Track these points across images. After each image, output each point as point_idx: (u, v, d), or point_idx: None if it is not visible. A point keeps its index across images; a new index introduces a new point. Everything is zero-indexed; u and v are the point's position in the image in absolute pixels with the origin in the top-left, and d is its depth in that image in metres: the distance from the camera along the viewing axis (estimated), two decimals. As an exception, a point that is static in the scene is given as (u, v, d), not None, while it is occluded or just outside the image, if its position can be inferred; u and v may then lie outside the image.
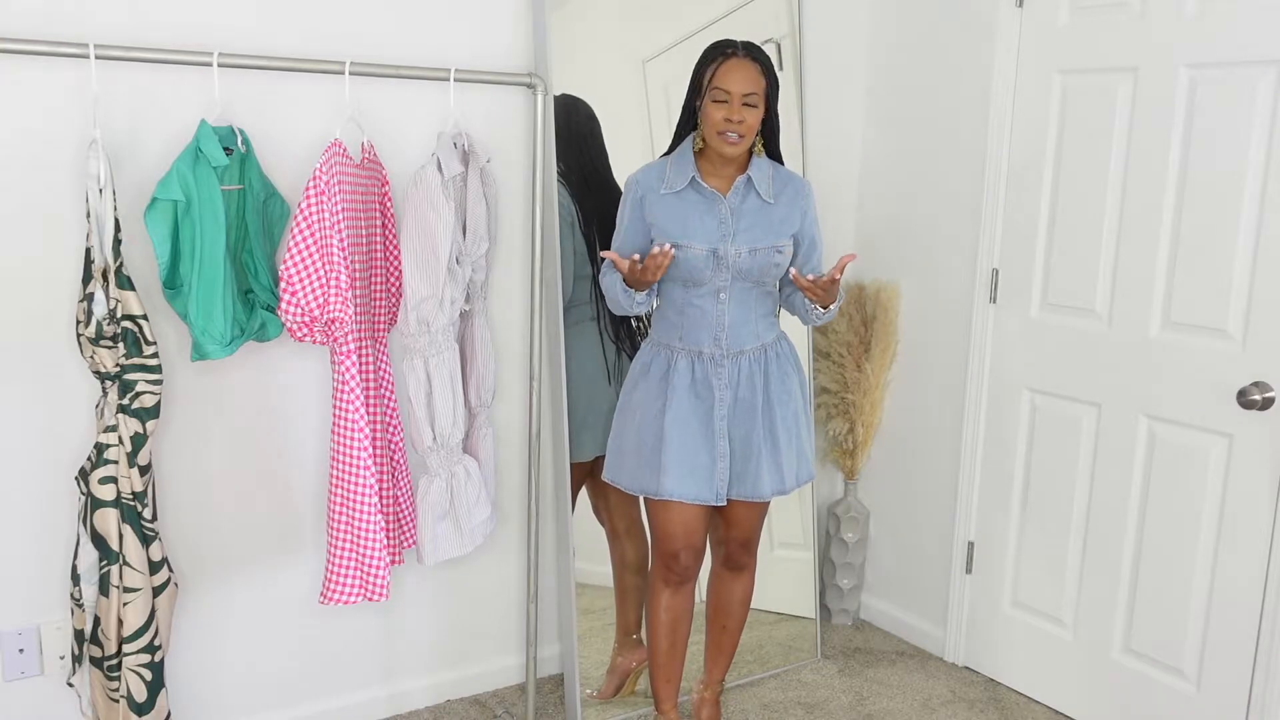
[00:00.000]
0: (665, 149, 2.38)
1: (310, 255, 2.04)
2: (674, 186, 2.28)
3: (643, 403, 2.34)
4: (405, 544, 2.45)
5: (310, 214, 2.05)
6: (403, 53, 2.44)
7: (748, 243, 2.26)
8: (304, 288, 2.04)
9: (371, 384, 2.33)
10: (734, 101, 2.19)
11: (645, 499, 2.46)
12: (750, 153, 2.31)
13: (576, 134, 2.62)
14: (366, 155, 2.28)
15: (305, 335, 2.09)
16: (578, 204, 2.62)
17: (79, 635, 2.10)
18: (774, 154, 2.35)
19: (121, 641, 2.05)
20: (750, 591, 2.57)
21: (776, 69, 2.33)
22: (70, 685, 2.16)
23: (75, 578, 2.06)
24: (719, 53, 2.23)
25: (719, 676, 2.64)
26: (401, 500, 2.42)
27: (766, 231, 2.28)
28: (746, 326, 2.31)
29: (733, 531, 2.47)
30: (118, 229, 1.98)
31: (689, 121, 2.31)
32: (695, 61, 2.27)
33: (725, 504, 2.37)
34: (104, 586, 2.03)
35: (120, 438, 2.02)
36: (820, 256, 2.40)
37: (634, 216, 2.32)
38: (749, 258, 2.26)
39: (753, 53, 2.23)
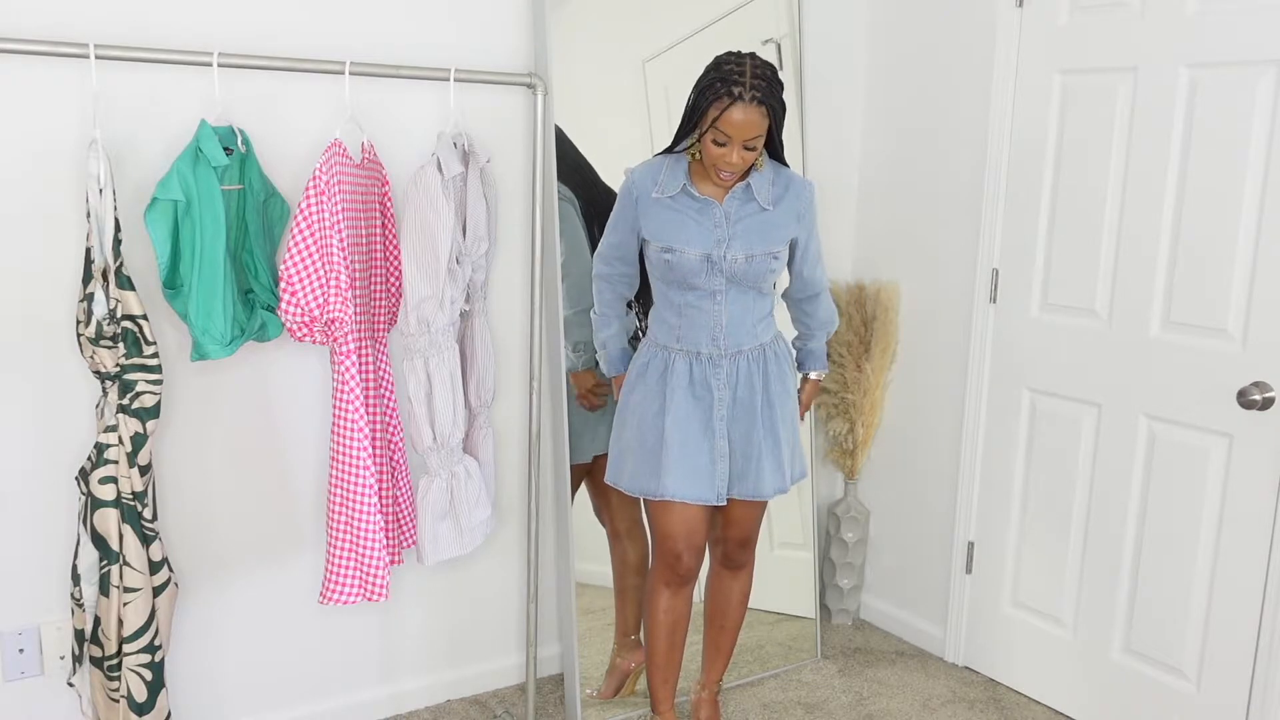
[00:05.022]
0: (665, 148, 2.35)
1: (310, 255, 2.04)
2: (667, 191, 2.26)
3: (641, 404, 2.33)
4: (405, 544, 2.45)
5: (310, 214, 2.05)
6: (403, 53, 2.44)
7: (744, 249, 2.24)
8: (304, 288, 2.04)
9: (371, 384, 2.33)
10: (734, 146, 2.13)
11: (645, 500, 2.46)
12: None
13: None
14: (366, 155, 2.28)
15: (305, 335, 2.09)
16: (583, 215, 2.62)
17: (79, 635, 2.10)
18: (776, 157, 2.32)
19: (121, 641, 2.05)
20: (748, 590, 2.57)
21: (778, 64, 2.31)
22: (70, 685, 2.16)
23: (75, 578, 2.06)
24: (725, 90, 2.09)
25: (717, 676, 2.64)
26: (401, 500, 2.42)
27: (763, 238, 2.26)
28: (744, 327, 2.30)
29: (731, 531, 2.47)
30: (118, 229, 1.98)
31: (689, 128, 2.23)
32: (702, 66, 2.18)
33: (726, 504, 2.36)
34: (104, 586, 2.03)
35: (120, 438, 2.02)
36: (814, 257, 2.38)
37: (625, 216, 2.31)
38: (745, 264, 2.24)
39: (759, 94, 2.09)
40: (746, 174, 2.26)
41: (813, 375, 2.54)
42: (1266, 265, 2.28)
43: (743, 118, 2.10)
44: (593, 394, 2.64)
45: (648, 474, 2.32)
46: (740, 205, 2.26)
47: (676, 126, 2.34)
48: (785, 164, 2.34)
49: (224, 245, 2.07)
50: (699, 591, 2.72)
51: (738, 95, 2.09)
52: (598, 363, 2.56)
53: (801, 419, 2.47)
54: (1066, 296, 2.69)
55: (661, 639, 2.46)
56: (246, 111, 2.26)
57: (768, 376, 2.34)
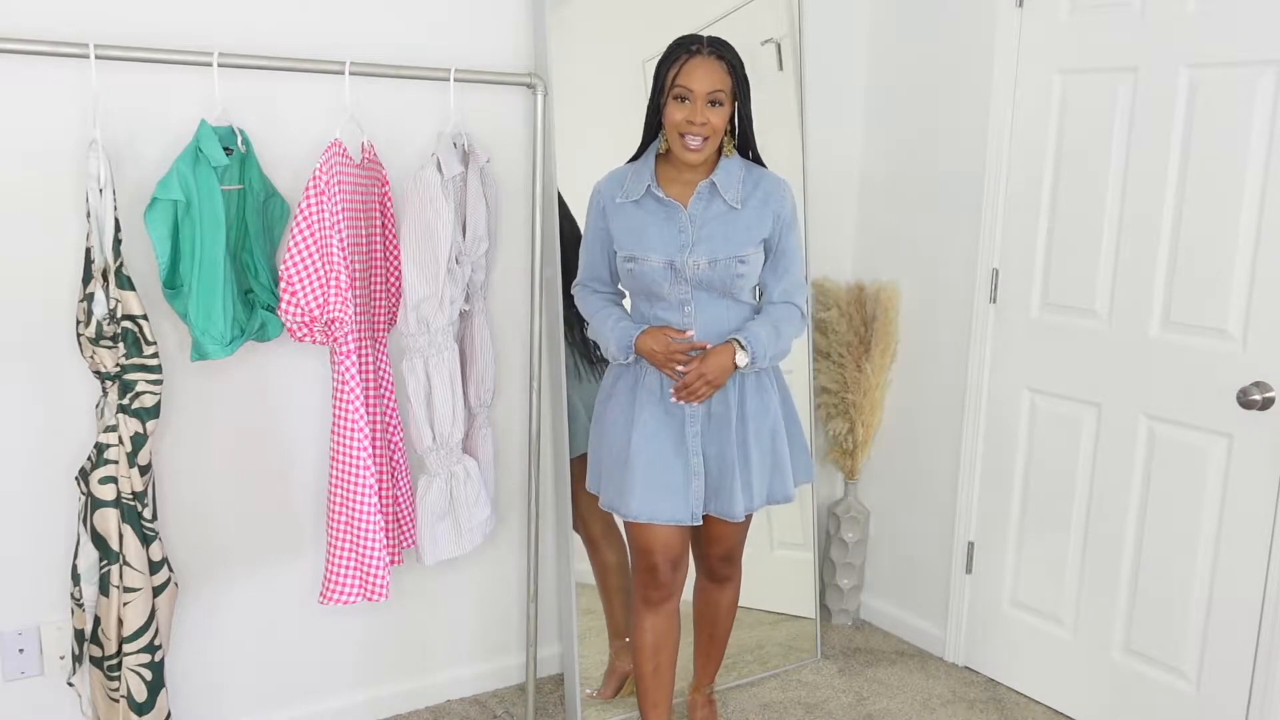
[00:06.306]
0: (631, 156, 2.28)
1: (310, 255, 2.04)
2: (631, 195, 2.18)
3: (613, 417, 2.25)
4: (405, 544, 2.45)
5: (310, 214, 2.05)
6: (403, 53, 2.44)
7: (707, 254, 2.13)
8: (304, 288, 2.05)
9: (371, 384, 2.33)
10: (697, 101, 2.06)
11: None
12: (719, 154, 2.18)
13: None
14: (366, 155, 2.28)
15: (305, 335, 2.09)
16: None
17: (79, 635, 2.10)
18: (749, 154, 2.23)
19: (121, 641, 2.05)
20: (737, 599, 2.50)
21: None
22: (70, 685, 2.16)
23: (75, 578, 2.06)
24: (682, 50, 2.10)
25: (709, 680, 2.61)
26: (401, 500, 2.42)
27: (728, 241, 2.14)
28: (718, 339, 2.17)
29: (713, 548, 2.38)
30: (118, 229, 1.98)
31: (654, 124, 2.19)
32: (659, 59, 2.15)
33: (700, 523, 2.25)
34: (104, 586, 2.04)
35: (120, 437, 2.02)
36: (795, 263, 2.24)
37: (597, 228, 2.25)
38: (709, 269, 2.13)
39: (718, 49, 2.10)
40: (714, 166, 2.18)
41: (740, 355, 2.12)
42: (1266, 265, 2.28)
43: (703, 70, 2.07)
44: (675, 351, 2.14)
45: (615, 491, 2.23)
46: (705, 206, 2.16)
47: (643, 130, 2.24)
48: (760, 162, 2.25)
49: (224, 245, 2.07)
50: (688, 600, 2.69)
51: (695, 50, 2.09)
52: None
53: (699, 381, 2.11)
54: (1066, 296, 2.69)
55: (646, 660, 2.34)
56: (246, 111, 2.26)
57: (743, 391, 2.21)
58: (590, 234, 2.27)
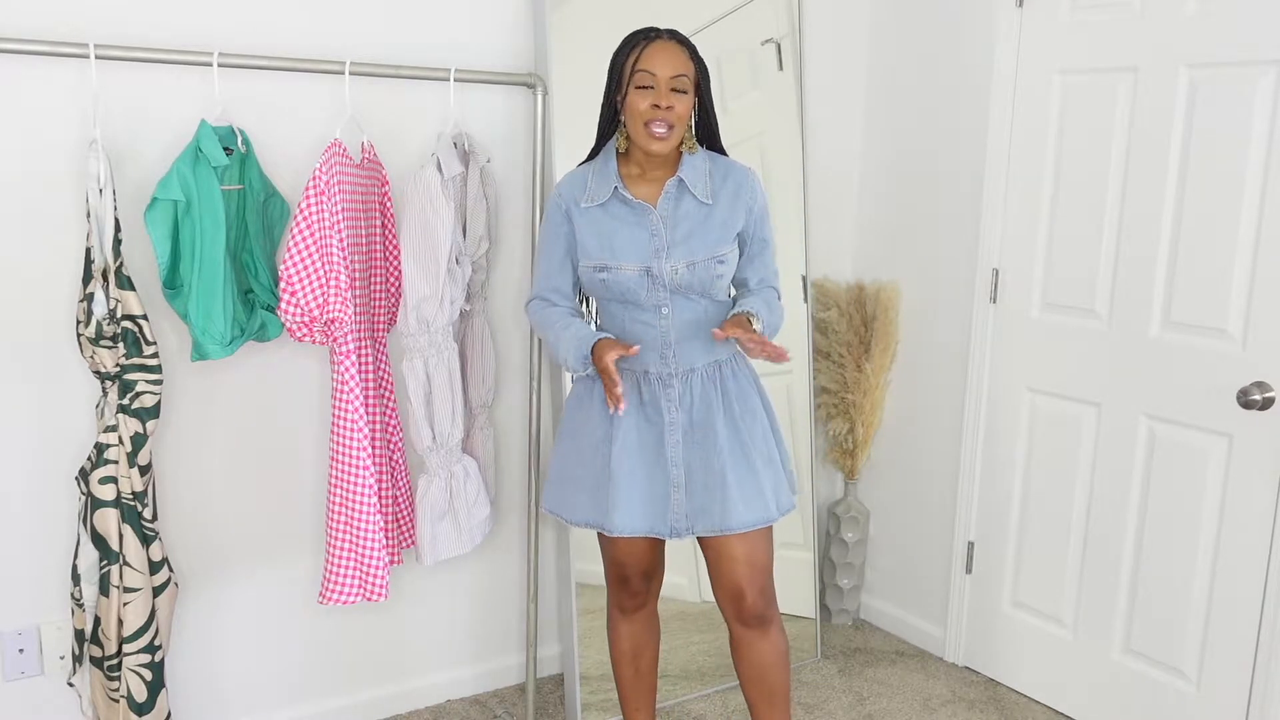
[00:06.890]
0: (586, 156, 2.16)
1: (310, 255, 2.04)
2: (596, 199, 2.05)
3: (586, 428, 2.12)
4: (404, 544, 2.45)
5: (310, 214, 2.05)
6: (403, 53, 2.44)
7: (684, 256, 2.02)
8: (304, 288, 2.05)
9: (371, 384, 2.33)
10: (661, 86, 1.96)
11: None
12: (681, 151, 2.07)
13: None
14: (366, 155, 2.28)
15: (305, 335, 2.09)
16: None
17: (79, 635, 2.10)
18: (713, 148, 2.13)
19: (121, 641, 2.05)
20: (785, 647, 2.17)
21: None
22: (70, 685, 2.16)
23: (75, 578, 2.06)
24: (641, 37, 2.00)
25: None
26: (401, 500, 2.42)
27: (705, 240, 2.03)
28: (697, 341, 2.07)
29: (746, 579, 2.10)
30: (118, 229, 1.98)
31: (610, 120, 2.08)
32: (613, 52, 2.05)
33: (681, 538, 2.11)
34: (104, 586, 2.04)
35: (120, 438, 2.02)
36: (769, 252, 2.14)
37: (560, 234, 2.10)
38: (687, 273, 2.02)
39: (678, 36, 2.02)
40: (678, 162, 2.07)
41: (752, 320, 2.01)
42: (1266, 265, 2.28)
43: (665, 54, 1.97)
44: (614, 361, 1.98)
45: (594, 507, 2.10)
46: (675, 205, 2.05)
47: (597, 129, 2.13)
48: (724, 152, 2.15)
49: (224, 245, 2.07)
50: (668, 599, 2.65)
51: (654, 36, 2.00)
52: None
53: (758, 343, 1.93)
54: (1066, 296, 2.69)
55: (626, 665, 2.31)
56: (246, 111, 2.26)
57: (727, 395, 2.09)
58: (550, 241, 2.12)
